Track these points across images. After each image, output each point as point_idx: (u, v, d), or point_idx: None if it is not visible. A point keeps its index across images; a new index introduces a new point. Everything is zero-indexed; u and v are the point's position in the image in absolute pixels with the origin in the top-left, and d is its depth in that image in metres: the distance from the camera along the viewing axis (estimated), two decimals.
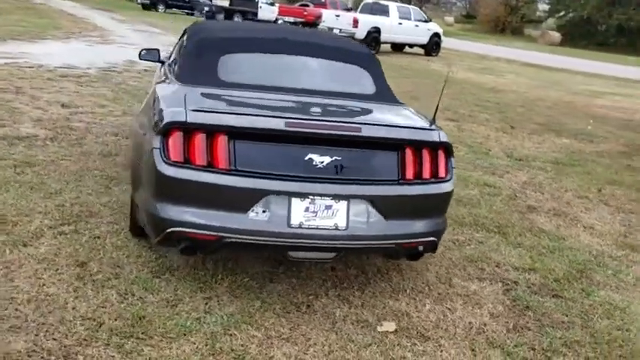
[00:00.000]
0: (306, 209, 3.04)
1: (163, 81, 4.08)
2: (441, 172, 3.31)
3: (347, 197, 3.08)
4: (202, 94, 3.38)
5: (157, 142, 3.04)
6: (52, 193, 4.36)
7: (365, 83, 3.87)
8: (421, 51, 22.61)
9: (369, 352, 2.87)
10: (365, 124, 3.21)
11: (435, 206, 3.36)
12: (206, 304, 3.12)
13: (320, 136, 3.08)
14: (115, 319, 2.86)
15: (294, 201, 3.02)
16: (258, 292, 3.30)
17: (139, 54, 5.22)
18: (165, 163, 2.99)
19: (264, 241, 3.04)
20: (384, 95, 3.84)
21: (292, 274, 3.54)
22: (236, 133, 3.02)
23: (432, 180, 3.28)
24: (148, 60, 5.22)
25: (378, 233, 3.16)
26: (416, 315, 3.28)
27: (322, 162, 3.06)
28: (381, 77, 3.98)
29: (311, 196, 3.03)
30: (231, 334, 2.87)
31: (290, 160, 3.06)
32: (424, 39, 21.84)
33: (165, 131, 3.02)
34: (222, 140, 2.99)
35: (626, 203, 6.06)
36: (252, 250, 3.49)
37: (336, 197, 3.06)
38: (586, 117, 11.36)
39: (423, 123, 3.49)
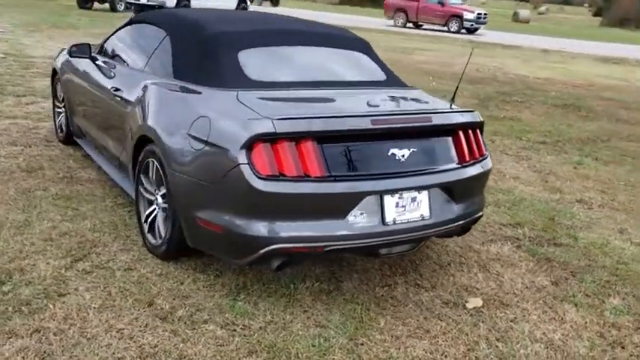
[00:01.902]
0: (397, 205, 3.04)
1: (146, 84, 3.66)
2: (483, 150, 3.52)
3: (427, 187, 3.14)
4: (257, 98, 3.13)
5: (242, 156, 2.78)
6: (21, 226, 3.70)
7: (376, 70, 3.89)
8: None
9: (483, 330, 3.03)
10: (432, 112, 3.27)
11: (483, 182, 3.57)
12: (308, 318, 2.98)
13: (399, 130, 3.08)
14: (250, 355, 2.63)
15: (386, 198, 3.00)
16: (341, 295, 3.23)
17: (70, 51, 4.53)
18: (259, 178, 2.77)
19: (362, 243, 2.99)
20: (396, 80, 3.90)
21: (350, 270, 3.51)
22: (324, 138, 2.89)
23: (480, 159, 3.47)
24: (79, 56, 4.56)
25: (452, 217, 3.27)
26: (479, 285, 3.50)
27: (403, 155, 3.07)
28: (382, 62, 4.02)
29: (400, 191, 3.04)
30: (362, 343, 2.81)
31: (376, 158, 3.02)
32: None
33: (252, 144, 2.79)
34: (312, 147, 2.85)
35: (519, 151, 6.90)
36: (345, 254, 3.38)
37: (419, 189, 3.11)
38: (421, 73, 12.40)
39: (447, 105, 3.63)
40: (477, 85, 11.53)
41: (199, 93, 3.28)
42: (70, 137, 5.34)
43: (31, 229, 3.67)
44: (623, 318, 3.27)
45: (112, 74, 4.23)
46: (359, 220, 2.95)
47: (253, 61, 3.46)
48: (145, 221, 3.58)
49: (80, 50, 4.54)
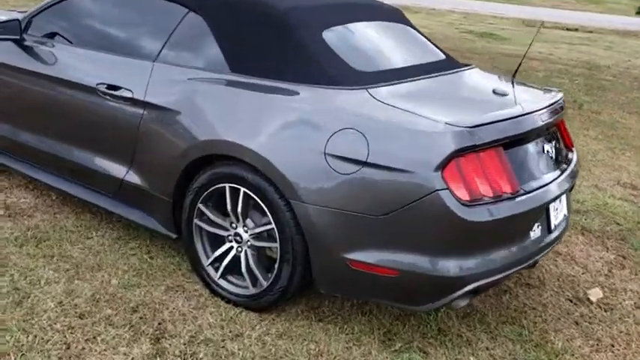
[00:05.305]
0: (554, 209, 2.69)
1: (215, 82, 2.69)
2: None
3: (569, 185, 2.82)
4: (399, 98, 2.46)
5: (438, 180, 2.18)
6: (20, 300, 2.57)
7: (430, 45, 3.35)
8: None
9: (632, 324, 2.89)
10: (558, 100, 2.90)
11: None
12: (472, 337, 2.55)
13: (550, 125, 2.69)
14: None
15: (551, 205, 2.63)
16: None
17: None
18: (464, 206, 2.20)
19: (536, 256, 2.59)
20: (452, 58, 3.41)
21: None
22: (507, 144, 2.40)
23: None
24: (4, 39, 3.22)
25: (569, 210, 3.03)
26: (569, 271, 3.33)
27: (552, 154, 2.72)
28: (421, 32, 3.50)
29: (559, 196, 2.68)
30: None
31: (539, 161, 2.62)
32: None
33: (447, 163, 2.19)
34: (499, 157, 2.34)
35: None
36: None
37: (564, 190, 2.77)
38: None
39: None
40: None
41: (301, 94, 2.48)
42: None
43: (38, 302, 2.55)
44: None
45: (78, 65, 3.07)
46: (537, 233, 2.55)
47: (339, 46, 2.73)
48: (212, 264, 2.72)
49: (7, 30, 3.20)
